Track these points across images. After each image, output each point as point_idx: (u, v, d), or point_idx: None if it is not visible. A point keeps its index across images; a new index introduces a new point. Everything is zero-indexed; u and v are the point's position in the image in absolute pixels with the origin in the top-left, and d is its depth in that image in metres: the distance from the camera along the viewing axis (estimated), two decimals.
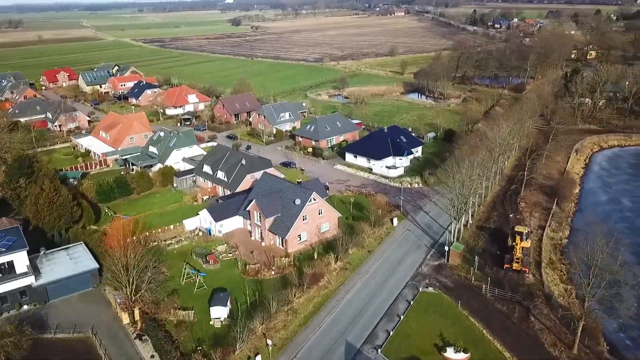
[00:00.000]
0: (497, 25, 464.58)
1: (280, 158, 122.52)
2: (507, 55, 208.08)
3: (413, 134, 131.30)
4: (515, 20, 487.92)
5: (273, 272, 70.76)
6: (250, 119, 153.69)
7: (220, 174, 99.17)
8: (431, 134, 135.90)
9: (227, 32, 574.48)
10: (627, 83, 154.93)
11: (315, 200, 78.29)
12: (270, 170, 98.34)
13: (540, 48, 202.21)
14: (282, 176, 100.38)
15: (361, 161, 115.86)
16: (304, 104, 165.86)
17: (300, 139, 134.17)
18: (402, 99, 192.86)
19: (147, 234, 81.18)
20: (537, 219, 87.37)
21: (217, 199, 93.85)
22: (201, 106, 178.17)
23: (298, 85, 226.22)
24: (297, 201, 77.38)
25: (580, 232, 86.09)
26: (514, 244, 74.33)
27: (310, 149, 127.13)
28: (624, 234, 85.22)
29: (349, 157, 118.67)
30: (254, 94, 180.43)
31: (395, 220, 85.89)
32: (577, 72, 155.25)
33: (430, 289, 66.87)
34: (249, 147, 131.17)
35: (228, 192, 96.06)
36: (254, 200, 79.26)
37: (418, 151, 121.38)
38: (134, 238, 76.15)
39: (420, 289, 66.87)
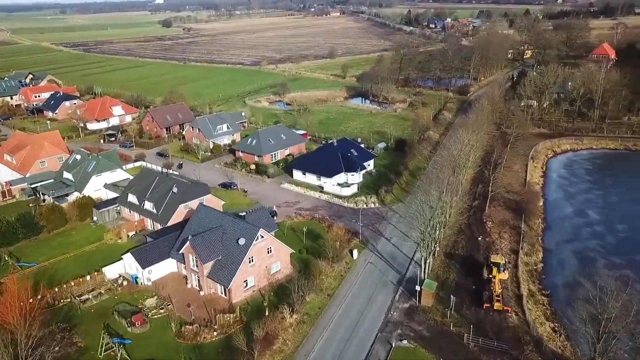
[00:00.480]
0: (432, 25, 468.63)
1: (219, 177, 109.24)
2: (450, 57, 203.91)
3: (363, 145, 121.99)
4: (449, 20, 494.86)
5: (215, 333, 58.13)
6: (184, 133, 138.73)
7: (148, 205, 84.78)
8: (381, 144, 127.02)
9: (157, 34, 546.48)
10: (569, 84, 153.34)
11: (263, 237, 66.28)
12: (208, 198, 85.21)
13: (481, 49, 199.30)
14: (222, 203, 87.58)
15: (311, 179, 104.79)
16: (243, 114, 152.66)
17: (241, 154, 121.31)
18: (346, 104, 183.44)
19: (56, 289, 66.09)
20: (508, 241, 79.69)
21: (145, 236, 79.60)
22: (128, 119, 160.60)
23: (235, 91, 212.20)
24: (241, 241, 64.98)
25: (553, 253, 79.79)
26: (491, 276, 65.82)
27: (252, 166, 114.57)
28: (598, 252, 79.35)
29: (297, 174, 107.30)
30: (187, 103, 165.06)
31: (355, 252, 75.36)
32: (524, 74, 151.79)
33: (405, 342, 56.70)
34: (180, 166, 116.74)
35: (159, 227, 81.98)
36: (189, 240, 66.09)
37: (370, 164, 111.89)
38: (37, 298, 61.53)
39: (393, 344, 56.58)
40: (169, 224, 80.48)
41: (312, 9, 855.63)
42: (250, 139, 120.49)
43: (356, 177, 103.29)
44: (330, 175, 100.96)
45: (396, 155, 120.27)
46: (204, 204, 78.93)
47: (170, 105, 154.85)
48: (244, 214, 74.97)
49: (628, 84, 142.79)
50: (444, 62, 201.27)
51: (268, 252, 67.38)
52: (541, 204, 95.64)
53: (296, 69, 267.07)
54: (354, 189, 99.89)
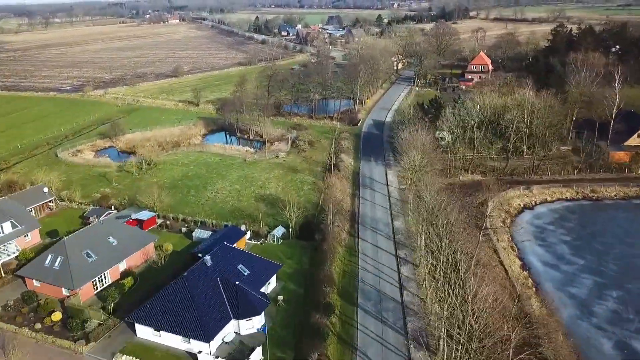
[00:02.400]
0: (284, 33, 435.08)
1: None
2: (330, 76, 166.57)
3: (248, 235, 77.47)
4: (299, 26, 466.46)
5: None
6: None
7: None
8: (279, 231, 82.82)
9: None
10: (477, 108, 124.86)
11: None
12: None
13: (364, 63, 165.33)
14: None
15: (171, 340, 57.01)
16: (45, 189, 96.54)
17: (36, 283, 68.21)
18: (208, 149, 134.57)
19: None
20: None
21: None
22: None
23: (44, 136, 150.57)
24: None
25: None
26: None
27: (56, 316, 62.58)
28: None
29: (145, 331, 58.56)
30: None
31: None
32: (440, 104, 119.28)
33: None
34: None
35: None
36: None
37: (271, 282, 67.50)
38: None
39: None
40: None
41: (148, 16, 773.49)
42: (50, 256, 67.86)
43: (258, 322, 58.28)
44: (208, 335, 54.43)
45: (305, 249, 77.64)
46: None
47: None
48: None
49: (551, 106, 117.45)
50: (322, 82, 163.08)
51: None
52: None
53: (133, 94, 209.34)
54: (258, 356, 54.62)
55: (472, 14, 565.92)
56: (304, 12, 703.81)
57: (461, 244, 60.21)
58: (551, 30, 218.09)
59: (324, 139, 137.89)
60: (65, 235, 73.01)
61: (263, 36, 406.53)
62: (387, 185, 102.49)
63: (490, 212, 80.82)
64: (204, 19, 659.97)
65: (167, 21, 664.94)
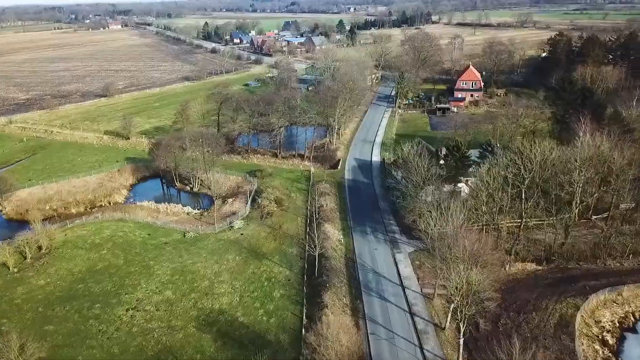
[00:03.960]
0: (236, 40, 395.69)
1: None
2: (300, 94, 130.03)
3: None
4: (253, 33, 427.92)
5: None
6: None
7: None
8: None
9: None
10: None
11: None
12: None
13: (341, 85, 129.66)
14: None
15: None
16: None
17: None
18: (134, 214, 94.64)
19: None
20: None
21: None
22: None
23: None
24: None
25: None
26: None
27: None
28: None
29: None
30: None
31: None
32: (463, 153, 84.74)
33: None
34: None
35: None
36: None
37: None
38: None
39: None
40: None
41: (87, 21, 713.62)
42: None
43: None
44: None
45: None
46: None
47: None
48: None
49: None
50: (289, 111, 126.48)
51: None
52: None
53: (48, 121, 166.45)
54: None
55: (434, 18, 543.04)
56: (257, 16, 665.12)
57: None
58: (548, 39, 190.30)
59: (295, 191, 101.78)
60: None
61: (213, 44, 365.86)
62: (403, 286, 67.27)
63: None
64: (148, 25, 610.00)
65: (108, 27, 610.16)
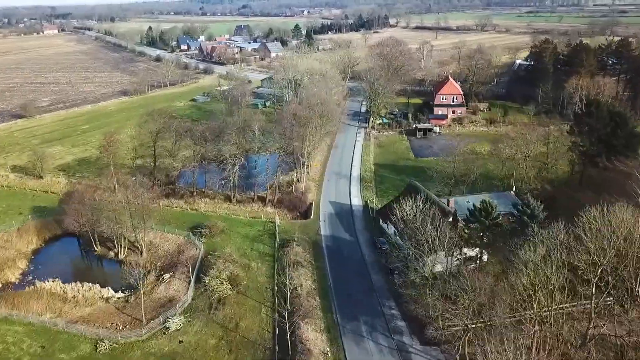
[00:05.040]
0: (183, 47, 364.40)
1: None
2: (256, 131, 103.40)
3: None
4: (202, 38, 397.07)
5: None
6: None
7: None
8: None
9: None
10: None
11: None
12: None
13: (311, 110, 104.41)
14: None
15: None
16: None
17: None
18: (30, 316, 66.28)
19: None
20: None
21: None
22: None
23: None
24: None
25: None
26: None
27: None
28: None
29: None
30: None
31: None
32: (492, 217, 61.30)
33: None
34: None
35: None
36: None
37: None
38: None
39: None
40: None
41: (21, 25, 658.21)
42: None
43: None
44: None
45: None
46: None
47: None
48: None
49: None
50: (248, 142, 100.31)
51: None
52: None
53: None
54: None
55: (391, 22, 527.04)
56: (207, 20, 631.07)
57: None
58: (532, 46, 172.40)
59: (257, 258, 76.18)
60: None
61: (158, 51, 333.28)
62: None
63: None
64: (88, 29, 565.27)
65: (42, 32, 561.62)
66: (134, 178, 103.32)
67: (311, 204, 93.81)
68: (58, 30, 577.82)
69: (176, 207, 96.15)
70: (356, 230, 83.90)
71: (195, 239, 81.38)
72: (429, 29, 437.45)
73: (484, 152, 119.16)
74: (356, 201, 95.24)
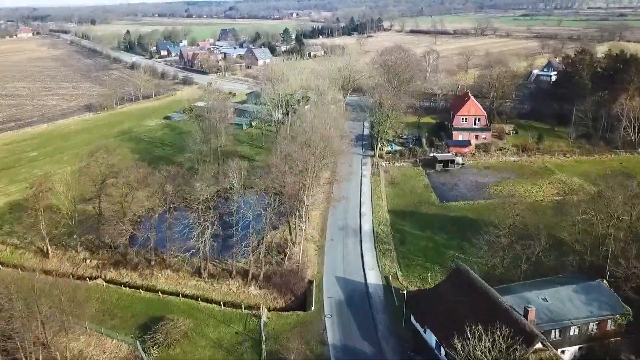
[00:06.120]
0: (163, 52, 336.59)
1: None
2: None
3: None
4: (184, 43, 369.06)
5: None
6: None
7: None
8: None
9: None
10: None
11: None
12: None
13: (309, 152, 78.84)
14: None
15: None
16: None
17: None
18: None
19: None
20: None
21: None
22: None
23: None
24: None
25: None
26: None
27: None
28: None
29: None
30: None
31: None
32: None
33: None
34: None
35: None
36: None
37: None
38: None
39: None
40: None
41: None
42: None
43: None
44: None
45: None
46: None
47: None
48: None
49: None
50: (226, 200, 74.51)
51: None
52: None
53: None
54: None
55: (385, 25, 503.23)
56: (192, 22, 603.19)
57: None
58: (562, 58, 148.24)
59: None
60: None
61: (135, 57, 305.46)
62: None
63: None
64: (65, 32, 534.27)
65: (16, 35, 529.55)
66: (75, 236, 78.46)
67: (311, 282, 68.05)
68: (33, 34, 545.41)
69: (126, 283, 70.13)
70: (378, 333, 58.22)
71: (145, 353, 55.26)
72: (426, 32, 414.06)
73: (524, 193, 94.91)
74: (373, 277, 69.62)
